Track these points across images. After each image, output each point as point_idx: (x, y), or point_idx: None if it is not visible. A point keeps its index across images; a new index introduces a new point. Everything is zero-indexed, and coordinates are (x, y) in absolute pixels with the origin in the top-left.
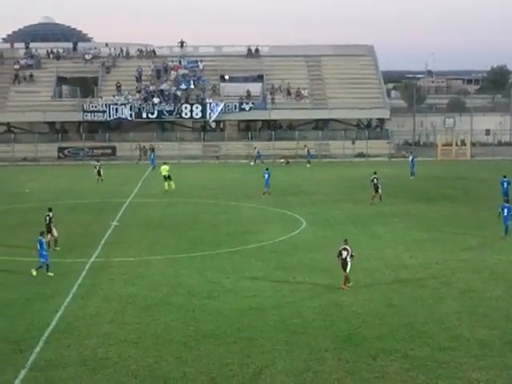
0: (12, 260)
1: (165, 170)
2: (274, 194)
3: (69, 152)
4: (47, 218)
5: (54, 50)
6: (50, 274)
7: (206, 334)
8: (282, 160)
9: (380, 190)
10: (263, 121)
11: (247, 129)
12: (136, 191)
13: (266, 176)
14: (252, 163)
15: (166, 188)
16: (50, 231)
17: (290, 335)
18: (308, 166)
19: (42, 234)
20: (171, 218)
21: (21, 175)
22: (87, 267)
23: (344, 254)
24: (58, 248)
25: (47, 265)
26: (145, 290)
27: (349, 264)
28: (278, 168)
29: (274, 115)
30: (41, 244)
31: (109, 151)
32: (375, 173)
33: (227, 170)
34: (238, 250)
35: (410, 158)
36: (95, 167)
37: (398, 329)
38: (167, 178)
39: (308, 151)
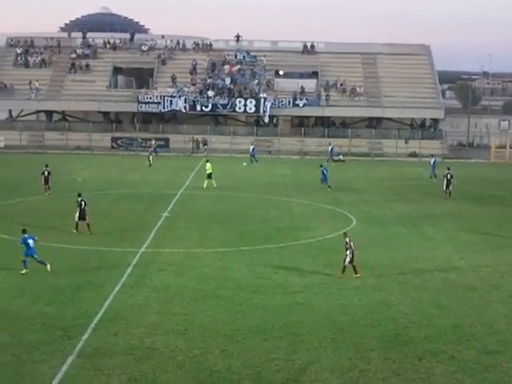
0: (63, 247)
1: (207, 168)
2: (325, 191)
3: (122, 142)
4: (82, 203)
5: (111, 41)
6: (24, 271)
7: (252, 328)
8: (336, 158)
9: (451, 187)
10: (316, 117)
11: (300, 125)
12: (188, 183)
13: (325, 172)
14: (245, 163)
15: (204, 186)
16: (84, 217)
17: (336, 332)
18: (329, 163)
19: (24, 231)
20: (222, 212)
21: (74, 164)
22: (137, 257)
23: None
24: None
25: (37, 260)
26: (193, 281)
27: (347, 255)
28: (330, 165)
29: (328, 112)
30: (26, 243)
31: (162, 143)
32: (449, 168)
33: (279, 165)
34: (288, 246)
35: (432, 161)
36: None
37: (445, 330)
38: (209, 175)
39: (331, 149)
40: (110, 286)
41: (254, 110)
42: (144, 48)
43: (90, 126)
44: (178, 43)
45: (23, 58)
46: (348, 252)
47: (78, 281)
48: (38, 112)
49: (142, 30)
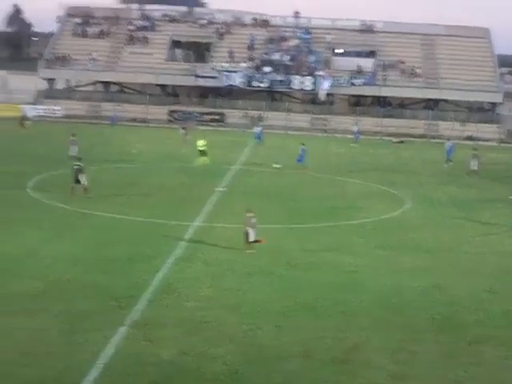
0: (117, 218)
1: (200, 144)
2: (379, 172)
3: (178, 116)
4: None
5: (169, 14)
6: None
7: (303, 306)
8: (394, 139)
9: (478, 167)
10: (373, 97)
11: (357, 104)
12: (242, 159)
13: (303, 151)
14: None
15: (199, 163)
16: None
17: (387, 313)
18: (353, 145)
19: None
20: (275, 188)
21: (129, 135)
22: (190, 231)
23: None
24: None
25: None
26: (245, 257)
27: (250, 232)
28: (386, 146)
29: (385, 92)
30: None
31: (218, 117)
32: (475, 149)
33: (334, 143)
34: (340, 225)
35: (449, 145)
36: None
37: (497, 315)
38: (202, 152)
39: (358, 130)
40: (163, 259)
41: (310, 87)
42: (202, 22)
43: (147, 99)
44: (236, 18)
45: (82, 29)
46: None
47: (130, 252)
48: (95, 83)
49: (200, 3)
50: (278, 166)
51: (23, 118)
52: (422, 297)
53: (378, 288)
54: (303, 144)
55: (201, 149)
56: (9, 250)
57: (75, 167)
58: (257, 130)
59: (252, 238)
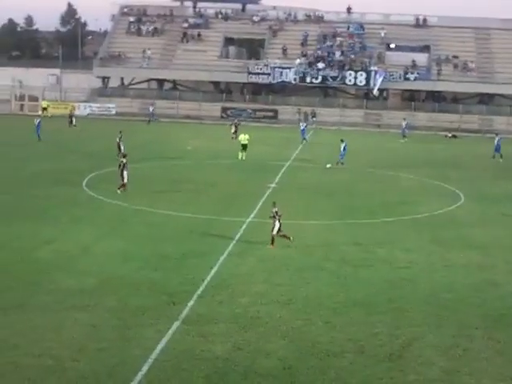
0: (170, 214)
1: (244, 138)
2: (433, 167)
3: (232, 112)
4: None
5: (223, 11)
6: None
7: (356, 302)
8: (447, 134)
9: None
10: (427, 92)
11: (410, 99)
12: (295, 155)
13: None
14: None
15: (240, 158)
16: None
17: (440, 310)
18: (402, 141)
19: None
20: (328, 184)
21: (183, 132)
22: (243, 227)
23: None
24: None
25: None
26: (298, 253)
27: (275, 226)
28: (440, 141)
29: (439, 87)
30: None
31: (271, 114)
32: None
33: (387, 138)
34: (393, 220)
35: (497, 139)
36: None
37: None
38: (244, 147)
39: (406, 124)
40: (216, 255)
41: (364, 82)
42: (255, 19)
43: (200, 96)
44: (290, 14)
45: (136, 27)
46: (276, 222)
47: (184, 248)
48: (149, 80)
49: (254, 0)
50: (329, 165)
51: (71, 116)
52: (475, 293)
53: (431, 284)
54: (342, 140)
55: (243, 143)
56: (63, 247)
57: (120, 163)
58: (302, 126)
59: (275, 231)
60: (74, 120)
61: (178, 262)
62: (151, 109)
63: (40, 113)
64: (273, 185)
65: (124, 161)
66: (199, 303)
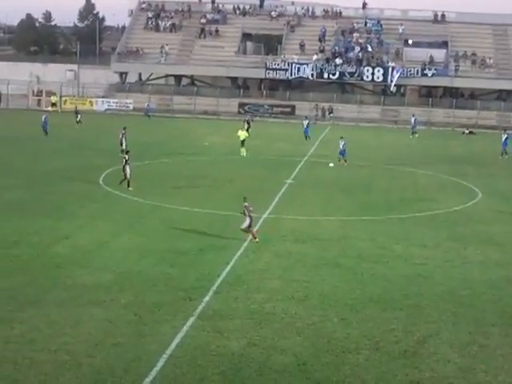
0: (187, 210)
1: (242, 135)
2: (450, 163)
3: (249, 108)
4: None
5: (240, 6)
6: None
7: (372, 298)
8: (465, 130)
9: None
10: (445, 88)
11: (428, 95)
12: (312, 151)
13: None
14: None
15: (244, 154)
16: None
17: (457, 306)
18: (411, 137)
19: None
20: (345, 180)
21: (201, 128)
22: (260, 222)
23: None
24: (130, 188)
25: None
26: (315, 249)
27: (245, 221)
28: (457, 137)
29: (457, 83)
30: None
31: (288, 110)
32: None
33: (405, 135)
34: (410, 217)
35: (504, 137)
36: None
37: None
38: (243, 143)
39: (415, 121)
40: (233, 250)
41: (381, 78)
42: (273, 14)
43: (217, 91)
44: (308, 10)
45: (154, 22)
46: (246, 218)
47: (201, 244)
48: (167, 76)
49: None
50: (332, 165)
51: (76, 112)
52: (492, 290)
53: (447, 281)
54: (342, 137)
55: (241, 139)
56: (81, 242)
57: (123, 159)
58: (304, 123)
59: (245, 225)
60: (79, 116)
61: (194, 257)
62: (146, 105)
63: (49, 108)
64: (289, 181)
65: (126, 157)
66: (215, 299)
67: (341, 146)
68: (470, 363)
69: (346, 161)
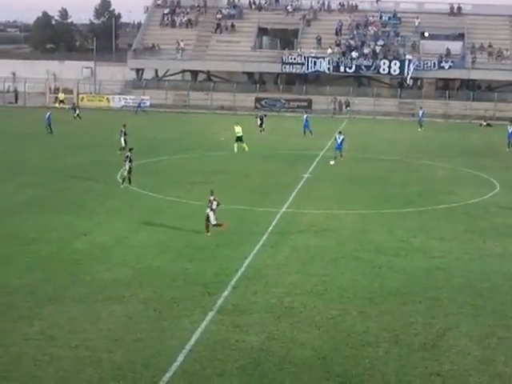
0: (205, 206)
1: (237, 131)
2: (467, 156)
3: (266, 103)
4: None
5: (256, 1)
6: None
7: (391, 292)
8: (482, 122)
9: None
10: (462, 80)
11: (445, 87)
12: (329, 145)
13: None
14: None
15: (235, 150)
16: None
17: (476, 299)
18: (419, 130)
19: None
20: (362, 174)
21: (217, 123)
22: (277, 217)
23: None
24: (126, 185)
25: None
26: (333, 243)
27: (210, 215)
28: (474, 130)
29: (474, 75)
30: None
31: (305, 104)
32: None
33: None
34: (428, 210)
35: (511, 129)
36: (259, 117)
37: None
38: (239, 139)
39: (423, 113)
40: (251, 245)
41: (398, 71)
42: (289, 9)
43: (233, 87)
44: (323, 4)
45: (170, 18)
46: (210, 212)
47: (219, 239)
48: (183, 72)
49: None
50: (332, 162)
51: (74, 108)
52: (511, 282)
53: (466, 273)
54: (340, 132)
55: (238, 135)
56: (99, 239)
57: (125, 157)
58: (304, 117)
59: (213, 221)
60: (77, 110)
61: (212, 252)
62: (139, 101)
63: (57, 105)
64: (307, 175)
65: (128, 154)
66: (234, 293)
67: (338, 141)
68: (489, 355)
69: (341, 156)
